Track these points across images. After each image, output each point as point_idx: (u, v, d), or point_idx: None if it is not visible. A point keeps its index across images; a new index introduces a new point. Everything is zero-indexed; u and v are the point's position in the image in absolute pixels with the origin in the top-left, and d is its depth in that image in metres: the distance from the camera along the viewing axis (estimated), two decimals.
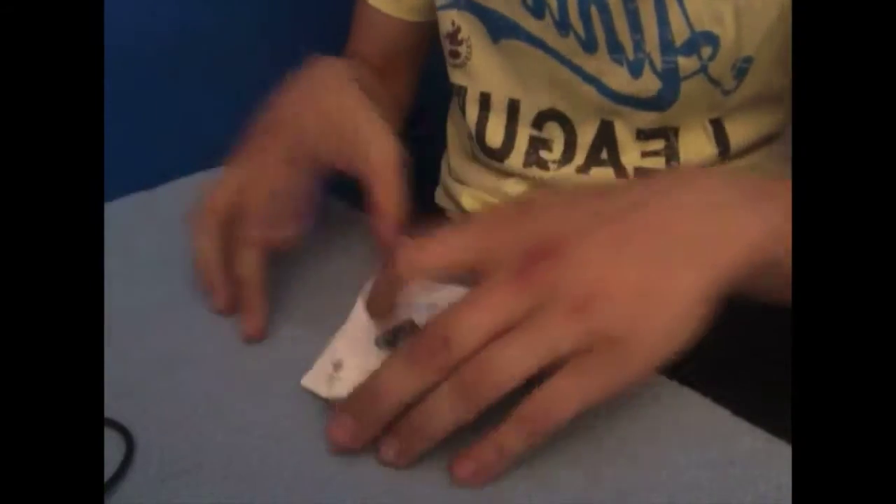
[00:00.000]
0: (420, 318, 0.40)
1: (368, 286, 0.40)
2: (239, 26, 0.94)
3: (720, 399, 0.39)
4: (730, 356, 0.58)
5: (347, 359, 0.39)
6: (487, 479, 0.35)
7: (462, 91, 0.65)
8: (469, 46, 0.63)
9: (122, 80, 0.82)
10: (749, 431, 0.37)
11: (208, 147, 0.93)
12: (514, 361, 0.32)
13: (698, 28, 0.53)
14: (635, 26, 0.54)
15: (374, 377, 0.34)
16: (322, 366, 0.40)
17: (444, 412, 0.33)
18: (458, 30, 0.63)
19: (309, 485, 0.36)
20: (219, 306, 0.47)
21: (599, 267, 0.33)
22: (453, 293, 0.37)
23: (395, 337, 0.40)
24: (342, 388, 0.38)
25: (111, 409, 0.39)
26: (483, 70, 0.63)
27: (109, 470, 0.36)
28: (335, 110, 0.50)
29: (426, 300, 0.40)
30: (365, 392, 0.35)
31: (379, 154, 0.47)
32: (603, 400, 0.32)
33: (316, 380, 0.39)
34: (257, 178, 0.48)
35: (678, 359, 0.33)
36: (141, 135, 0.89)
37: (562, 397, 0.32)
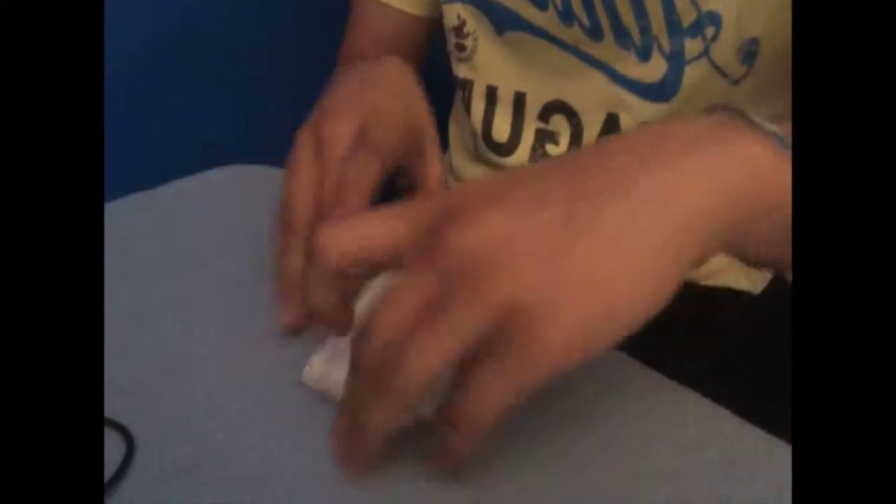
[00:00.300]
0: None
1: (367, 291, 0.40)
2: (240, 26, 0.94)
3: (720, 399, 0.39)
4: (729, 356, 0.58)
5: (340, 358, 0.39)
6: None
7: (468, 85, 0.65)
8: (475, 39, 0.63)
9: (122, 80, 0.82)
10: (749, 431, 0.37)
11: (208, 147, 0.93)
12: (425, 354, 0.29)
13: (704, 8, 0.52)
14: (640, 11, 0.54)
15: (344, 399, 0.35)
16: (318, 362, 0.40)
17: (377, 420, 0.32)
18: (463, 23, 0.63)
19: (309, 485, 0.36)
20: (288, 323, 0.44)
21: (506, 227, 0.29)
22: None
23: None
24: (335, 385, 0.38)
25: (111, 409, 0.39)
26: (489, 63, 0.63)
27: (109, 470, 0.36)
28: (406, 105, 0.48)
29: None
30: (342, 416, 0.35)
31: (435, 168, 0.46)
32: (532, 387, 0.29)
33: (312, 376, 0.39)
34: (331, 169, 0.44)
35: (637, 341, 0.30)
36: (141, 135, 0.89)
37: (484, 397, 0.30)
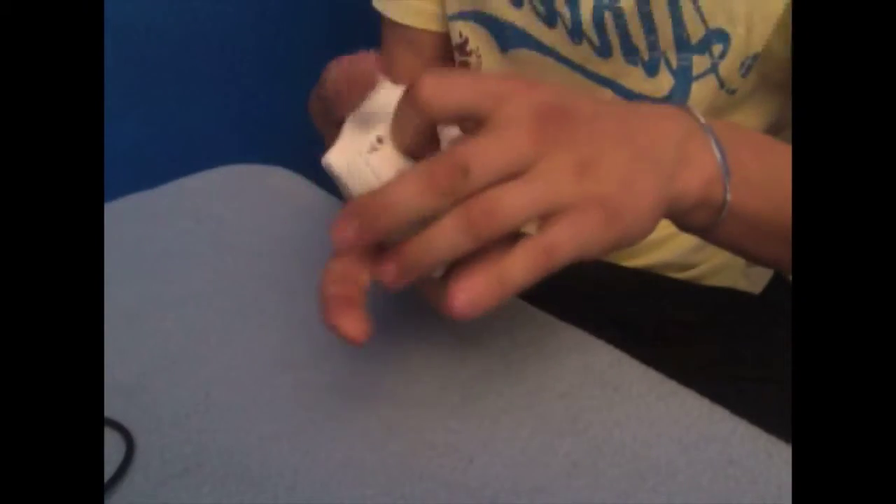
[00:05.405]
0: None
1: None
2: (241, 26, 0.94)
3: (720, 399, 0.39)
4: (730, 356, 0.58)
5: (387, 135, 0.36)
6: (482, 306, 0.33)
7: None
8: (479, 56, 0.63)
9: (122, 79, 0.83)
10: (749, 431, 0.37)
11: (208, 147, 0.94)
12: (518, 205, 0.33)
13: (712, 25, 0.53)
14: (649, 27, 0.54)
15: (388, 187, 0.33)
16: (353, 140, 0.36)
17: (446, 238, 0.33)
18: (465, 41, 0.63)
19: (309, 485, 0.36)
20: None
21: (606, 138, 0.35)
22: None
23: None
24: (381, 162, 0.36)
25: (111, 409, 0.39)
26: None
27: (109, 470, 0.36)
28: None
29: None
30: (375, 198, 0.33)
31: None
32: (594, 251, 0.34)
33: (345, 155, 0.36)
34: None
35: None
36: (141, 135, 0.89)
37: (561, 241, 0.33)
